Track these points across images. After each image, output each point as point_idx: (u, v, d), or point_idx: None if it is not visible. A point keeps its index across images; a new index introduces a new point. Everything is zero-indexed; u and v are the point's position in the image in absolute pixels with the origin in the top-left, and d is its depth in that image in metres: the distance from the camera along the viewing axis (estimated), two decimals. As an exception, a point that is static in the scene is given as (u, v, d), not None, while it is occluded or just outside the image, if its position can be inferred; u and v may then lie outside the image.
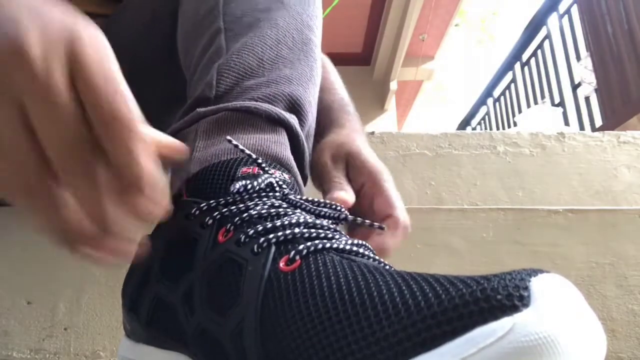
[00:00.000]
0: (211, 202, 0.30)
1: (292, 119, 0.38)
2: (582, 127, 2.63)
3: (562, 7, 2.88)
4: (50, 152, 0.23)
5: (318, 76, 0.44)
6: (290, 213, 0.29)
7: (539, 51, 3.18)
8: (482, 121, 4.31)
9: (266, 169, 0.32)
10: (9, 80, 0.22)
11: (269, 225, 0.27)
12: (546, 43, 3.06)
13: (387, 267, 0.26)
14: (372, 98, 4.49)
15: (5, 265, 0.56)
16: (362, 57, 4.45)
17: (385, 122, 4.53)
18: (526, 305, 0.18)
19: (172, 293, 0.29)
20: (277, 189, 0.31)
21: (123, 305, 0.34)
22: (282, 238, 0.26)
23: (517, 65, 3.55)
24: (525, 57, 3.42)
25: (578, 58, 2.71)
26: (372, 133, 0.93)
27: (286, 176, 0.33)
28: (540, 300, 0.18)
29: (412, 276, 0.22)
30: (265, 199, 0.30)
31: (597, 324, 0.19)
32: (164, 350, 0.31)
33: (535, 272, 0.20)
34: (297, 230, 0.27)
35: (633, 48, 2.15)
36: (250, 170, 0.31)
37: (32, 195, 0.23)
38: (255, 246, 0.26)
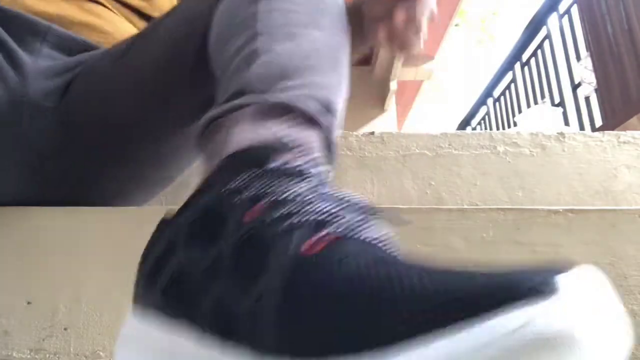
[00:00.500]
0: (244, 178, 0.31)
1: (328, 119, 0.40)
2: (582, 127, 2.63)
3: (562, 7, 2.88)
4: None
5: (345, 94, 0.47)
6: (319, 200, 0.30)
7: (539, 51, 3.18)
8: (482, 121, 4.31)
9: (299, 156, 0.33)
10: None
11: (298, 208, 0.28)
12: (546, 43, 3.06)
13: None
14: (372, 98, 4.48)
15: (5, 265, 0.57)
16: (362, 57, 4.44)
17: (385, 122, 4.52)
18: (549, 297, 0.18)
19: (197, 264, 0.30)
20: (309, 176, 0.32)
21: (140, 271, 0.34)
22: (309, 221, 0.28)
23: (517, 65, 3.55)
24: (525, 57, 3.42)
25: (578, 58, 2.71)
26: (372, 133, 0.93)
27: (320, 167, 0.34)
28: (564, 294, 0.18)
29: (435, 266, 0.23)
30: (298, 183, 0.31)
31: (622, 322, 0.19)
32: (172, 320, 0.31)
33: (564, 267, 0.20)
34: (324, 216, 0.28)
35: (633, 48, 2.15)
36: (284, 156, 0.33)
37: None
38: (285, 225, 0.27)
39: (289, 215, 0.28)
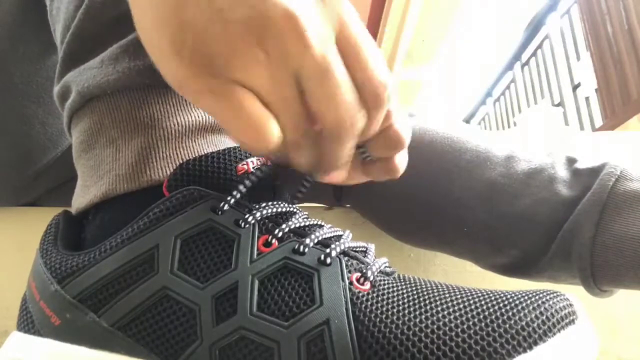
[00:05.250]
0: (240, 199, 0.29)
1: None
2: (582, 127, 2.63)
3: (562, 7, 2.88)
4: (323, 121, 0.23)
5: None
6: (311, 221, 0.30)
7: (539, 51, 3.18)
8: (482, 121, 4.31)
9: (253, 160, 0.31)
10: (285, 52, 0.21)
11: (318, 234, 0.28)
12: (546, 43, 3.07)
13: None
14: (372, 98, 4.47)
15: (5, 265, 0.56)
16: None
17: (385, 122, 4.51)
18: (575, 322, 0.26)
19: (196, 292, 0.26)
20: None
21: (68, 294, 0.30)
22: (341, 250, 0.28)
23: (517, 65, 3.55)
24: (525, 57, 3.43)
25: (578, 58, 2.71)
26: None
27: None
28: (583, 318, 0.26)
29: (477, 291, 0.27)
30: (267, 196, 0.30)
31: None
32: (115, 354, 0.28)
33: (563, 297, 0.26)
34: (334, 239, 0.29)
35: (633, 48, 2.15)
36: (247, 167, 0.30)
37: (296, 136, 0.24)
38: (322, 255, 0.27)
39: (318, 241, 0.29)
